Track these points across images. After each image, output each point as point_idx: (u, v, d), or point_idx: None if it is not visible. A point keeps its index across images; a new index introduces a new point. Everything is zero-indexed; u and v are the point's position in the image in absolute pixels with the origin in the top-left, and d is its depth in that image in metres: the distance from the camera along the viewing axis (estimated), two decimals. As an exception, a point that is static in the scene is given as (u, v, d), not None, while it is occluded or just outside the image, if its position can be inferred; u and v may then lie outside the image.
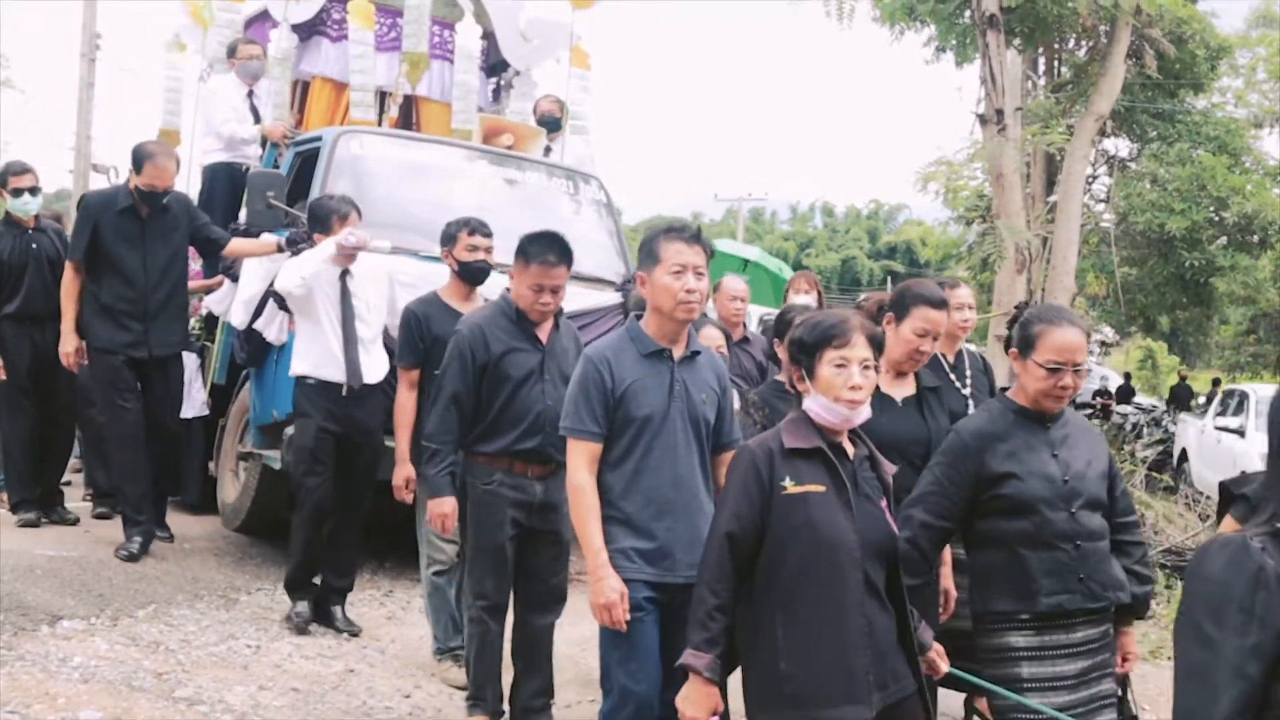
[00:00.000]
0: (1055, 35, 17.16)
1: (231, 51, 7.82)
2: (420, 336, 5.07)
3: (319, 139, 6.94)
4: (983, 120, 15.57)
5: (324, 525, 5.56)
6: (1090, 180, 19.48)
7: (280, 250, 6.04)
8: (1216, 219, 18.76)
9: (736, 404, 4.38)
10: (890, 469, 3.19)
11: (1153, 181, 18.65)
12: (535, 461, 4.38)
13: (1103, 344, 23.65)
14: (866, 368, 3.05)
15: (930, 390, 4.15)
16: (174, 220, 6.18)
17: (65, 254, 6.43)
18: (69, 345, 6.16)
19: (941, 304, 4.13)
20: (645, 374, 3.50)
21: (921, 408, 4.09)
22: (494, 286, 5.08)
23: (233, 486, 7.14)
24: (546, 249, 4.34)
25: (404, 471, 5.16)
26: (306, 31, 8.07)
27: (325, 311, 5.51)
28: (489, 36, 8.30)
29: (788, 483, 2.99)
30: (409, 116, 8.24)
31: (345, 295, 5.54)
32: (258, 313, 6.37)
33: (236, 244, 6.36)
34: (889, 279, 46.77)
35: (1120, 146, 20.17)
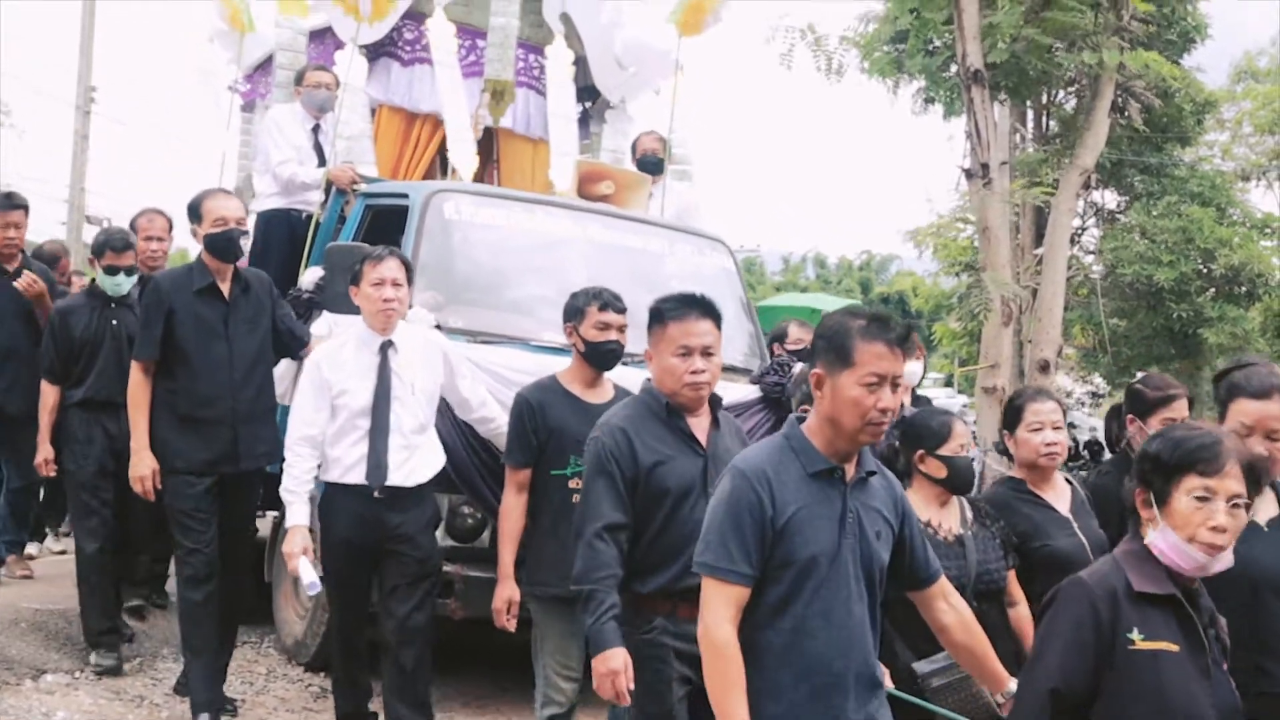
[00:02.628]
0: (1041, 90, 17.36)
1: (299, 79, 6.70)
2: (534, 429, 4.21)
3: (403, 195, 5.82)
4: (969, 174, 15.71)
5: (360, 655, 4.62)
6: (1079, 232, 19.62)
7: None
8: (1204, 271, 18.91)
9: (969, 515, 3.73)
10: (1222, 622, 2.57)
11: (1141, 233, 18.81)
12: None
13: (1094, 395, 23.74)
14: (1236, 505, 2.43)
15: None
16: (258, 302, 5.02)
17: None
18: (143, 468, 4.80)
19: (1266, 393, 3.33)
20: (812, 500, 2.69)
21: None
22: (627, 381, 4.34)
23: (294, 610, 5.77)
24: (684, 303, 3.60)
25: (505, 592, 4.29)
26: (373, 53, 7.09)
27: (354, 399, 4.51)
28: (579, 61, 7.36)
29: (1136, 635, 2.39)
30: (489, 152, 7.30)
31: (383, 372, 4.52)
32: None
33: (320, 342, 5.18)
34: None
35: (1108, 198, 20.38)
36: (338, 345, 4.65)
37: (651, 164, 7.00)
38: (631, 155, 7.25)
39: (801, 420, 2.78)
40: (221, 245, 4.89)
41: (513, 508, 4.27)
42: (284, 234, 6.51)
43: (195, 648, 4.83)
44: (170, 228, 6.32)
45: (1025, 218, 18.22)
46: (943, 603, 2.94)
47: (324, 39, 7.26)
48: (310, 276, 5.74)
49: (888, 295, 49.97)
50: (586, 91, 7.76)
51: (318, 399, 4.52)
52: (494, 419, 4.79)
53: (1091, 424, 24.61)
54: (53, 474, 5.76)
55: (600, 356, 4.28)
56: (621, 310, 4.32)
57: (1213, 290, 19.25)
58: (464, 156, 6.50)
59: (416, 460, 4.53)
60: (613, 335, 4.28)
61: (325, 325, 5.37)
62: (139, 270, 5.79)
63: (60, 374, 5.67)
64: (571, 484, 4.10)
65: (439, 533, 4.90)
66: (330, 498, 4.53)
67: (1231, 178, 20.55)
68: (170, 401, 4.85)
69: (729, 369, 5.44)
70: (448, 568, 4.89)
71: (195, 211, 4.94)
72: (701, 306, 3.58)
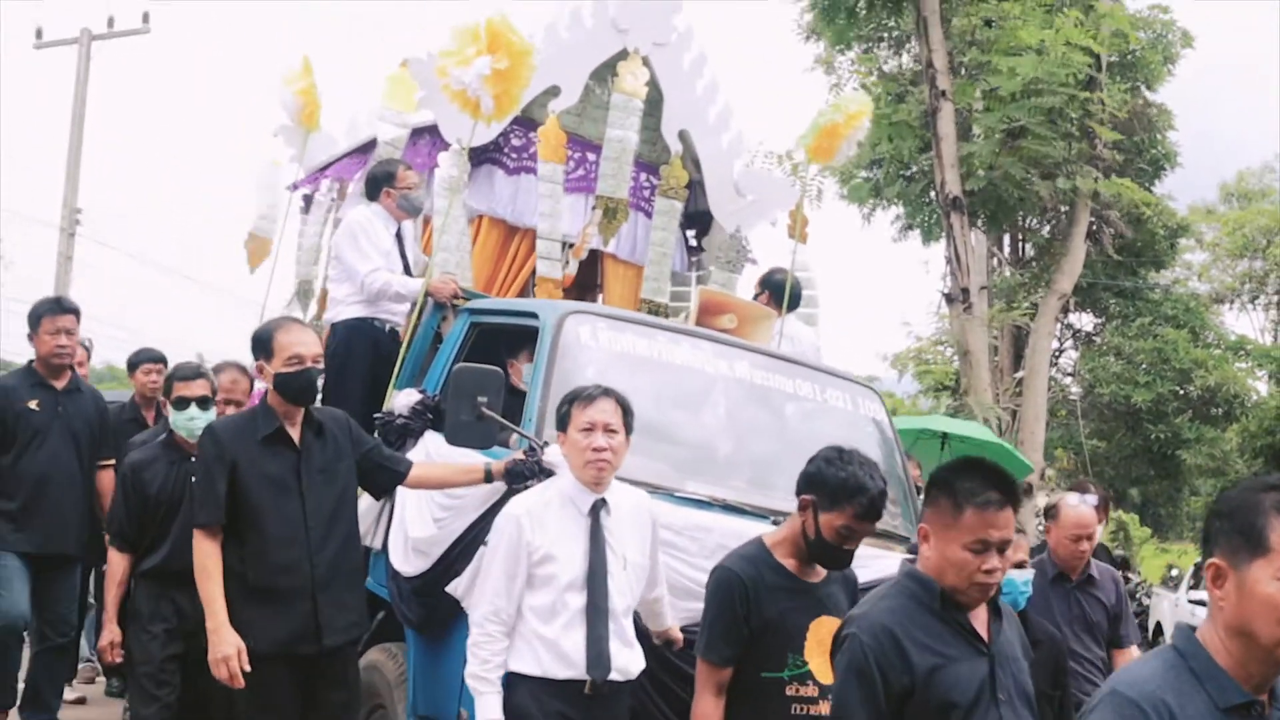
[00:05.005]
0: (1017, 217, 17.84)
1: (389, 178, 5.96)
2: (746, 616, 3.47)
3: (530, 315, 5.04)
4: (949, 299, 15.99)
5: None
6: (1057, 354, 20.02)
7: (489, 480, 4.23)
8: (1181, 392, 19.32)
9: None
10: None
11: (1117, 354, 19.22)
12: None
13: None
14: None
15: None
16: (335, 446, 4.29)
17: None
18: (228, 647, 4.00)
19: None
20: None
21: None
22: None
23: None
24: (987, 484, 2.87)
25: None
26: (475, 159, 6.41)
27: (565, 568, 3.71)
28: (693, 185, 6.86)
29: None
30: (593, 276, 6.72)
31: (596, 538, 3.75)
32: (445, 560, 4.32)
33: (424, 471, 4.43)
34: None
35: (1084, 320, 20.84)
36: (541, 501, 3.83)
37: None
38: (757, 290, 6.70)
39: (1194, 629, 2.13)
40: (297, 387, 4.20)
41: (711, 716, 3.53)
42: (366, 348, 5.76)
43: None
44: (251, 389, 5.61)
45: (1003, 340, 18.54)
46: None
47: (419, 139, 6.68)
48: (405, 400, 5.00)
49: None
50: (698, 218, 7.23)
51: (514, 565, 3.70)
52: (663, 595, 4.06)
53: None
54: (119, 660, 4.97)
55: (833, 557, 3.52)
56: (876, 519, 3.59)
57: (1190, 411, 19.63)
58: (549, 273, 6.04)
59: (634, 649, 3.78)
60: (855, 545, 3.58)
61: (422, 455, 4.71)
62: (214, 400, 5.09)
63: (133, 540, 4.94)
64: (789, 690, 3.47)
65: None
66: (529, 693, 3.67)
67: (1206, 300, 21.14)
68: (238, 571, 4.10)
69: (884, 534, 4.77)
70: None
71: (265, 346, 4.22)
72: (1004, 490, 2.87)
